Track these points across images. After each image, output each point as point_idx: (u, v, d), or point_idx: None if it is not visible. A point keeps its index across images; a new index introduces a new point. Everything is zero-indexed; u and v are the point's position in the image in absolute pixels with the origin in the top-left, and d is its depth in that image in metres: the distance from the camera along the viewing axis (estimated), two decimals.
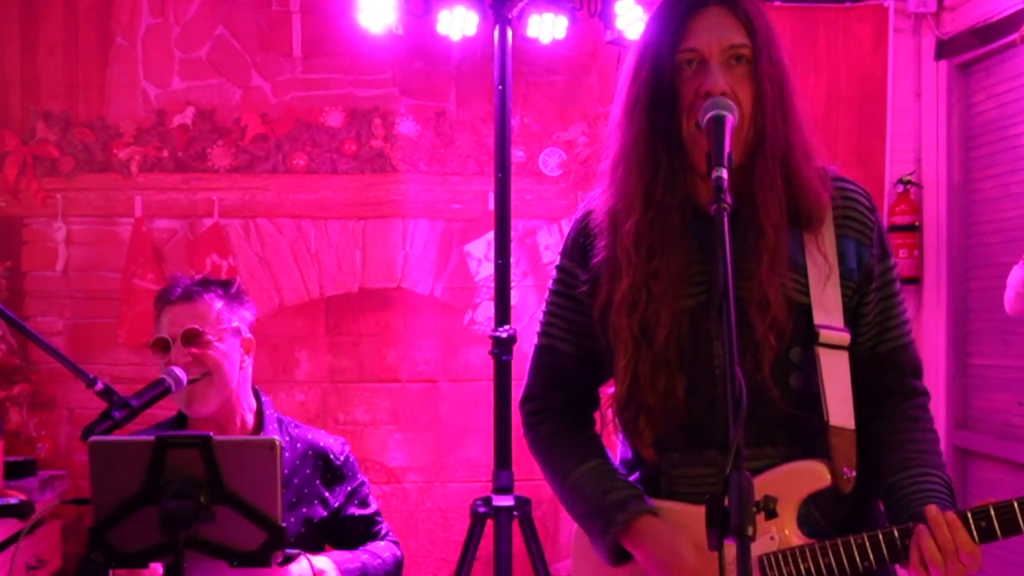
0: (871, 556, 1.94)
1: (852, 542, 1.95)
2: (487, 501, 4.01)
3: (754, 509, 1.50)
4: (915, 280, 5.06)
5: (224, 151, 4.88)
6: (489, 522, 4.00)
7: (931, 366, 5.01)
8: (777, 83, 1.99)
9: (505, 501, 3.98)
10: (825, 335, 2.01)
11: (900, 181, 5.04)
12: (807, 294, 2.03)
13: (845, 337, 2.04)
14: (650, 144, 2.03)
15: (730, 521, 1.49)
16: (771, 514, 1.58)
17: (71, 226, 4.84)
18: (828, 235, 2.04)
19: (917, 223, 5.05)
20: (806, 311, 2.03)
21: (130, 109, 4.85)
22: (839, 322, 2.03)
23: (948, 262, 5.03)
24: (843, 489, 2.00)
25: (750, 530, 1.48)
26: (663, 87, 2.00)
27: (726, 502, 1.50)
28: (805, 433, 2.02)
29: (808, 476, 2.01)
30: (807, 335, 2.02)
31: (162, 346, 2.81)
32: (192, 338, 2.79)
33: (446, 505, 4.97)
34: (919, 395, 2.13)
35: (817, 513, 2.03)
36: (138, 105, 4.85)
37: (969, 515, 1.89)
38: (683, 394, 2.03)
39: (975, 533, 1.88)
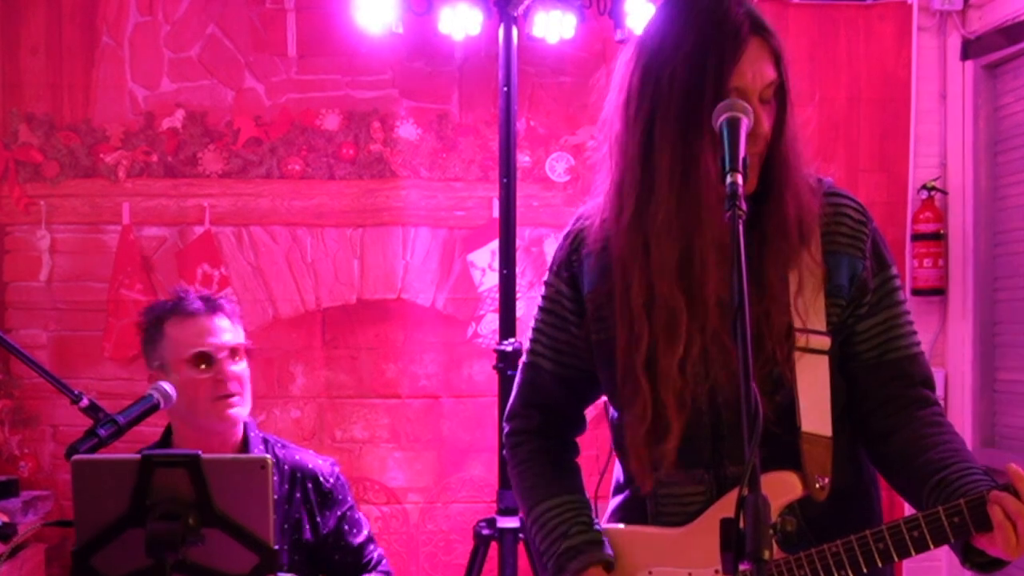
0: (847, 565, 1.93)
1: (827, 552, 1.94)
2: (491, 523, 3.98)
3: (771, 532, 1.47)
4: (940, 291, 5.05)
5: (216, 155, 4.82)
6: (493, 544, 3.97)
7: (956, 381, 5.04)
8: (792, 112, 2.01)
9: (510, 523, 3.94)
10: (802, 339, 2.01)
11: (924, 187, 5.01)
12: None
13: (825, 341, 2.03)
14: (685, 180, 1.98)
15: (745, 544, 1.46)
16: (787, 537, 1.66)
17: (55, 234, 4.78)
18: (815, 246, 2.04)
19: (942, 231, 5.01)
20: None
21: (117, 112, 4.79)
22: (820, 326, 2.03)
23: (975, 272, 4.98)
24: (816, 498, 1.99)
25: (766, 554, 1.45)
26: (699, 118, 1.93)
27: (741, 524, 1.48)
28: (780, 444, 2.00)
29: (778, 488, 1.97)
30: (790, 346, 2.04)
31: (206, 360, 2.83)
32: (239, 353, 2.86)
33: (448, 527, 4.92)
34: (935, 404, 2.11)
35: (798, 523, 1.98)
36: (125, 107, 4.79)
37: None
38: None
39: None
